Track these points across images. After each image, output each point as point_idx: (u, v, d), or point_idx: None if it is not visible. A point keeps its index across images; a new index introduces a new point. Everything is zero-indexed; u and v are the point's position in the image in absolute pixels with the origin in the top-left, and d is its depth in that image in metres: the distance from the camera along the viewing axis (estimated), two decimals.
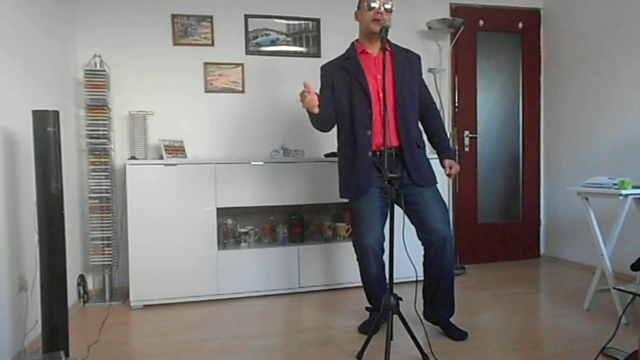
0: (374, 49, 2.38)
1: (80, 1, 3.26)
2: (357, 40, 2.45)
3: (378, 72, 2.32)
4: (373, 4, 2.27)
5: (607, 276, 2.58)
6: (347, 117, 2.39)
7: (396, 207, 2.20)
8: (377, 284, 2.43)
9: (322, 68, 2.51)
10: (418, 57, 2.49)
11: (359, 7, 2.38)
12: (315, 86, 3.68)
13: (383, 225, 2.38)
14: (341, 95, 2.39)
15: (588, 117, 3.69)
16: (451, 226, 2.41)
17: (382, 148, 2.27)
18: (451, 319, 2.43)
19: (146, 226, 2.97)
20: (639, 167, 3.21)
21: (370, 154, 2.33)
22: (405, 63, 2.39)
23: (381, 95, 2.29)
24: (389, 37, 2.37)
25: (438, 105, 2.63)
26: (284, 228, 3.32)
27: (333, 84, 2.42)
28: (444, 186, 3.07)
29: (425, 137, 2.52)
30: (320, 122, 2.44)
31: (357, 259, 2.46)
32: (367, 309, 2.58)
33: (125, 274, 3.15)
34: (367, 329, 2.38)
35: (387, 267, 2.20)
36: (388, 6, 2.28)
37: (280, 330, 2.57)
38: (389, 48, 2.36)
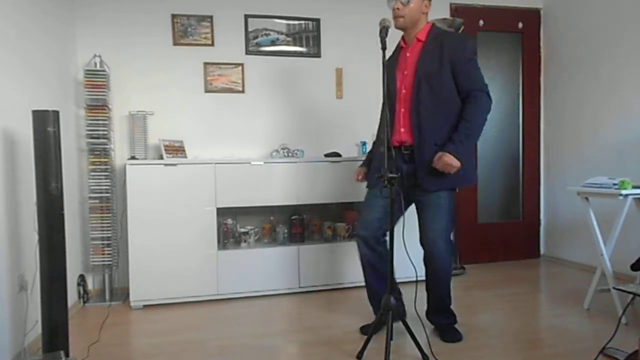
0: (409, 42, 2.34)
1: (80, 1, 3.26)
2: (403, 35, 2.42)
3: (406, 66, 2.30)
4: (390, 3, 2.27)
5: (607, 276, 2.58)
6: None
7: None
8: (369, 269, 2.42)
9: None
10: (459, 39, 2.33)
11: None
12: (317, 81, 3.69)
13: (387, 219, 2.24)
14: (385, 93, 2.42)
15: (588, 117, 3.69)
16: (449, 236, 2.36)
17: (397, 144, 2.31)
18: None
19: (146, 226, 2.97)
20: (639, 167, 3.21)
21: (382, 149, 2.32)
22: (435, 52, 2.23)
23: (404, 91, 2.30)
24: (433, 24, 2.35)
25: None
26: (284, 228, 3.32)
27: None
28: None
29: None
30: None
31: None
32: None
33: (125, 274, 3.15)
34: (368, 329, 2.38)
35: (388, 268, 2.19)
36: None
37: (280, 330, 2.57)
38: (423, 39, 2.30)
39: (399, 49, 2.41)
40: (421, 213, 2.33)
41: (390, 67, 2.35)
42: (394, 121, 2.32)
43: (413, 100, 2.27)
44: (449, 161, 2.13)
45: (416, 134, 2.26)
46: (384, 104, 2.19)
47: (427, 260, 2.36)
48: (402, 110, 2.30)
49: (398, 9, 2.23)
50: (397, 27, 2.25)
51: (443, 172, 2.19)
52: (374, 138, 2.69)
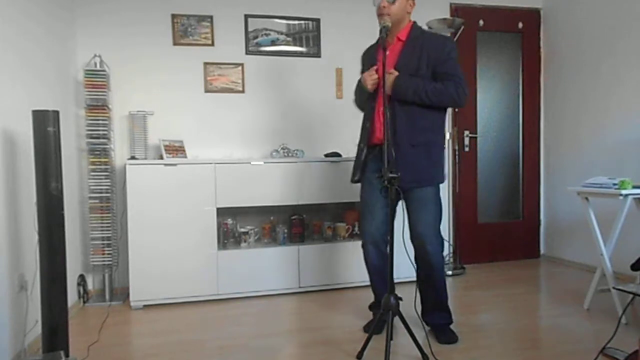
0: (390, 41, 2.32)
1: (81, 1, 3.26)
2: None
3: (388, 65, 2.25)
4: (375, 0, 2.26)
5: (607, 276, 2.58)
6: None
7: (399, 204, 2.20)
8: (377, 275, 2.43)
9: (362, 55, 2.55)
10: (441, 40, 2.31)
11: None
12: (317, 81, 3.70)
13: (387, 218, 2.28)
14: None
15: (588, 116, 3.69)
16: (441, 230, 2.34)
17: (378, 142, 2.30)
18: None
19: (146, 226, 2.97)
20: (639, 167, 3.21)
21: (362, 145, 2.36)
22: (415, 52, 2.25)
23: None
24: (417, 21, 2.36)
25: None
26: (284, 228, 3.32)
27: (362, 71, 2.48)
28: (444, 186, 3.06)
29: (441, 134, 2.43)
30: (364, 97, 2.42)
31: (362, 245, 2.48)
32: (370, 307, 2.58)
33: (125, 274, 3.15)
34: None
35: (389, 267, 2.19)
36: None
37: (280, 330, 2.57)
38: (403, 38, 2.31)
39: (377, 45, 2.39)
40: (408, 209, 2.32)
41: (367, 63, 2.39)
42: (374, 119, 2.33)
43: (392, 98, 2.26)
44: (389, 78, 2.20)
45: (391, 133, 2.19)
46: (385, 105, 2.17)
47: (419, 257, 2.34)
48: (382, 109, 2.26)
49: (384, 7, 2.22)
50: (382, 27, 2.19)
51: (418, 169, 2.23)
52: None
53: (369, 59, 2.43)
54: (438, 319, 2.40)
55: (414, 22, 2.34)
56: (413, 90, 2.20)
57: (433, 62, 2.24)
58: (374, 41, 2.47)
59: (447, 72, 2.24)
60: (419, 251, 2.32)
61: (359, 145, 2.44)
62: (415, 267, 2.39)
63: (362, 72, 2.48)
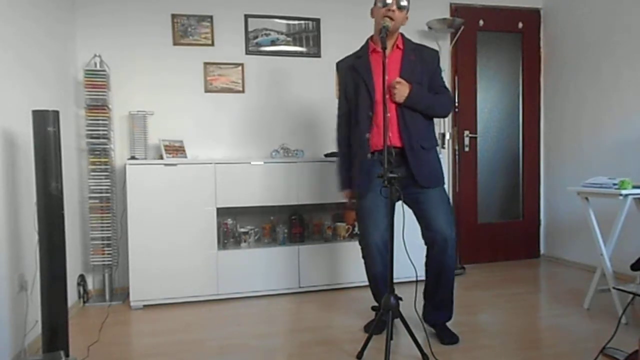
0: (387, 47, 2.28)
1: (80, 1, 3.26)
2: (372, 37, 2.41)
3: (387, 72, 2.22)
4: (387, 0, 2.23)
5: (607, 276, 2.58)
6: (351, 118, 2.45)
7: (397, 206, 2.20)
8: (382, 282, 2.41)
9: (337, 65, 2.52)
10: (434, 53, 2.42)
11: (374, 4, 2.34)
12: (317, 81, 3.69)
13: (389, 226, 2.30)
14: (349, 95, 2.43)
15: (588, 116, 3.69)
16: (454, 229, 2.37)
17: (381, 148, 2.28)
18: (447, 323, 2.41)
19: (146, 226, 2.97)
20: (639, 167, 3.21)
21: (369, 156, 2.34)
22: (417, 62, 2.32)
23: (388, 96, 2.27)
24: (405, 34, 2.40)
25: None
26: (284, 228, 3.32)
27: (345, 82, 2.46)
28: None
29: (436, 136, 2.49)
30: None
31: (362, 257, 2.46)
32: (373, 308, 2.57)
33: (125, 274, 3.15)
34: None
35: (388, 267, 2.19)
36: (404, 3, 2.24)
37: (280, 330, 2.57)
38: (401, 47, 2.34)
39: (368, 52, 2.38)
40: (424, 207, 2.31)
41: (359, 68, 2.35)
42: (371, 127, 2.31)
43: (400, 105, 2.28)
44: (404, 88, 2.24)
45: (405, 136, 2.29)
46: (385, 108, 2.16)
47: (437, 255, 2.31)
48: (388, 114, 2.26)
49: (393, 11, 2.22)
50: (383, 27, 2.18)
51: (436, 168, 2.36)
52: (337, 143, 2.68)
53: (361, 65, 2.36)
54: (442, 315, 2.39)
55: (403, 33, 2.40)
56: (426, 104, 2.32)
57: (430, 74, 2.35)
58: None
59: (441, 85, 2.40)
60: (438, 248, 2.29)
61: (351, 155, 2.45)
62: (427, 266, 2.37)
63: (341, 82, 2.48)
